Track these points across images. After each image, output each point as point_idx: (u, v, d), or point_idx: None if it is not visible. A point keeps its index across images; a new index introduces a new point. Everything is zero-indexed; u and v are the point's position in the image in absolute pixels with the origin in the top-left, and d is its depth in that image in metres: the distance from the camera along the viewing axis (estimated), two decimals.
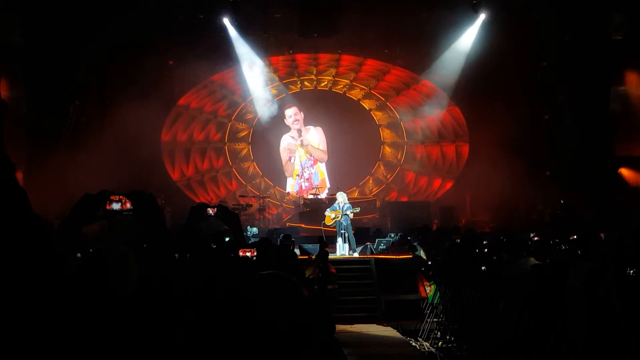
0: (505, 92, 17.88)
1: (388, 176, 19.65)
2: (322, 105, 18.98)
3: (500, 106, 17.12)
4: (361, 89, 19.90)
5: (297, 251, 10.76)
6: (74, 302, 1.99)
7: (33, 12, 13.68)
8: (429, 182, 19.49)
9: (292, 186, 19.21)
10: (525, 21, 16.27)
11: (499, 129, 16.22)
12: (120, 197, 2.51)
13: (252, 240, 9.90)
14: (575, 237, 7.93)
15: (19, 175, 11.46)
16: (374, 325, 10.31)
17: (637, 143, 15.57)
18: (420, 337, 9.06)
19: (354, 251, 12.88)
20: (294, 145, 19.07)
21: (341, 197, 13.35)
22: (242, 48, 17.87)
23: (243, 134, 19.57)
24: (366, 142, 19.31)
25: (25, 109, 14.16)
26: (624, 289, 4.18)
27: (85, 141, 15.09)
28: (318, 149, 19.28)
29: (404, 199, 19.06)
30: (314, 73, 19.88)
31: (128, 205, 2.50)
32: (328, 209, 13.57)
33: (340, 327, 9.12)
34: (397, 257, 11.66)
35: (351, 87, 19.94)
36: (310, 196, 17.75)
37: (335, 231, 13.04)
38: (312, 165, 19.21)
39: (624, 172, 15.71)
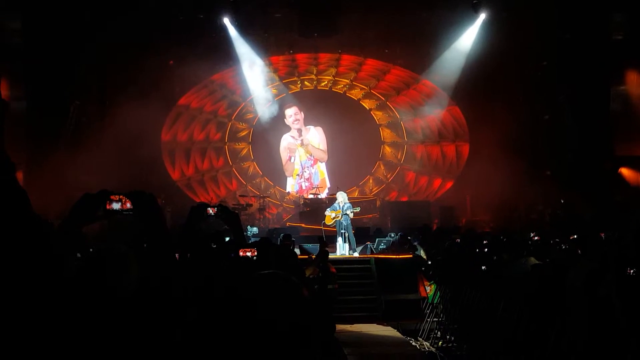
0: (505, 92, 17.89)
1: (388, 176, 19.65)
2: (322, 105, 18.97)
3: (500, 106, 17.13)
4: (361, 89, 19.90)
5: (297, 251, 10.76)
6: (74, 302, 1.99)
7: (33, 12, 13.68)
8: (429, 182, 19.49)
9: (292, 186, 19.21)
10: (525, 21, 16.27)
11: (499, 128, 16.22)
12: (121, 196, 2.51)
13: (253, 240, 9.90)
14: (575, 236, 7.92)
15: (19, 175, 11.47)
16: (374, 324, 10.32)
17: (637, 143, 15.55)
18: (420, 337, 9.07)
19: (354, 251, 12.89)
20: (294, 144, 19.08)
21: (341, 197, 13.35)
22: (242, 48, 17.88)
23: (243, 133, 19.57)
24: (366, 142, 19.31)
25: (25, 109, 14.15)
26: (624, 289, 4.18)
27: (86, 141, 15.09)
28: (318, 148, 19.29)
29: (404, 199, 19.06)
30: (314, 73, 19.89)
31: (128, 205, 2.50)
32: (328, 209, 13.57)
33: (340, 327, 9.13)
34: (397, 256, 11.67)
35: (351, 87, 19.94)
36: (311, 196, 17.77)
37: (336, 231, 13.05)
38: (312, 165, 19.22)
39: (624, 171, 15.70)
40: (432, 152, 19.66)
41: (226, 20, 17.23)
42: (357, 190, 19.23)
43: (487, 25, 16.97)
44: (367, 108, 19.87)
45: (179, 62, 17.41)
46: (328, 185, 18.98)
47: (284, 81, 19.66)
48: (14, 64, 13.75)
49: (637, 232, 4.91)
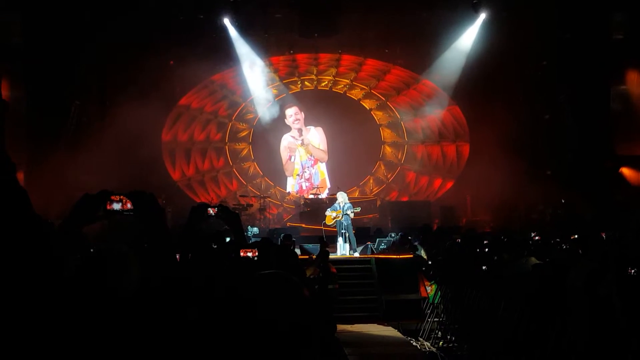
0: (505, 92, 17.88)
1: (389, 176, 19.64)
2: (322, 105, 18.98)
3: (500, 106, 17.12)
4: (361, 89, 19.89)
5: (297, 251, 10.77)
6: (74, 302, 1.99)
7: (33, 12, 13.69)
8: (430, 182, 19.49)
9: (292, 186, 19.22)
10: (525, 20, 16.27)
11: (499, 128, 16.21)
12: (121, 197, 2.51)
13: (253, 240, 9.90)
14: (576, 236, 7.91)
15: (20, 175, 11.48)
16: (375, 325, 10.33)
17: (637, 142, 15.55)
18: (421, 337, 9.06)
19: (355, 251, 12.89)
20: (294, 144, 19.08)
21: (341, 197, 13.35)
22: (243, 48, 17.88)
23: (244, 134, 19.58)
24: (367, 142, 19.30)
25: (25, 109, 14.16)
26: (624, 289, 4.18)
27: (86, 141, 15.10)
28: (318, 148, 19.29)
29: (405, 199, 19.06)
30: (315, 73, 19.89)
31: (128, 205, 2.50)
32: (329, 209, 13.58)
33: (341, 327, 9.12)
34: (398, 256, 11.67)
35: (351, 87, 19.94)
36: (311, 196, 17.77)
37: (336, 231, 13.05)
38: (312, 165, 19.22)
39: (625, 171, 15.70)
40: (432, 152, 19.66)
41: (226, 21, 17.24)
42: (358, 191, 19.23)
43: (487, 25, 16.97)
44: (368, 108, 19.87)
45: (179, 63, 17.41)
46: (328, 185, 18.98)
47: (284, 81, 19.66)
48: (14, 64, 13.76)
49: (638, 232, 4.91)
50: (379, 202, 18.70)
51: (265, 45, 18.39)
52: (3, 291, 1.83)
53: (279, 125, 19.12)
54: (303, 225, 16.23)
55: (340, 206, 13.13)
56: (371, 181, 19.56)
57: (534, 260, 6.13)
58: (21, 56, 13.80)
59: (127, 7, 15.07)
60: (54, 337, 1.88)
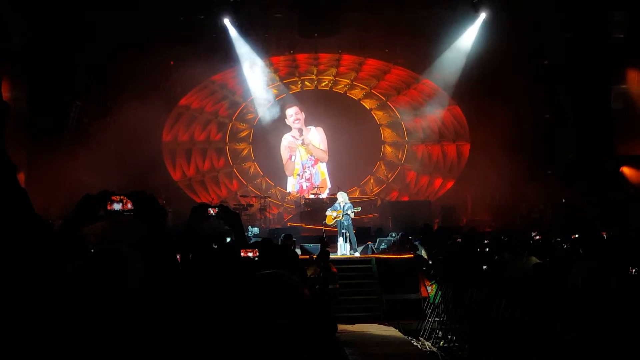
0: (506, 91, 17.83)
1: (389, 176, 19.64)
2: (322, 105, 18.98)
3: (501, 105, 17.08)
4: (362, 89, 19.89)
5: (298, 251, 10.77)
6: (75, 302, 1.99)
7: (33, 12, 13.69)
8: (430, 182, 19.49)
9: (292, 186, 19.22)
10: (525, 20, 16.25)
11: (500, 128, 16.21)
12: (121, 197, 2.51)
13: (254, 240, 9.90)
14: (576, 236, 7.92)
15: (20, 176, 11.48)
16: (376, 324, 10.31)
17: (638, 142, 15.57)
18: (421, 337, 9.06)
19: (355, 251, 12.89)
20: (295, 143, 19.08)
21: (342, 197, 13.35)
22: (243, 48, 17.88)
23: (244, 134, 19.58)
24: (367, 142, 19.30)
25: (26, 110, 14.17)
26: (625, 288, 4.18)
27: (86, 141, 15.10)
28: (319, 148, 19.29)
29: (405, 199, 19.05)
30: (315, 73, 19.89)
31: (129, 206, 2.50)
32: (329, 209, 13.58)
33: (341, 327, 9.12)
34: (398, 256, 11.66)
35: (352, 87, 19.94)
36: (311, 196, 17.76)
37: (336, 231, 13.05)
38: (312, 165, 19.22)
39: (626, 170, 15.71)
40: (432, 152, 19.65)
41: (226, 21, 17.24)
42: (358, 190, 19.23)
43: (488, 25, 16.96)
44: (368, 108, 19.87)
45: (179, 63, 17.42)
46: (329, 185, 18.98)
47: (284, 81, 19.66)
48: (15, 65, 13.77)
49: (639, 231, 4.90)
50: (379, 202, 18.70)
51: (266, 45, 18.38)
52: (3, 291, 1.83)
53: (280, 125, 19.12)
54: (303, 225, 16.23)
55: (340, 206, 13.13)
56: (371, 181, 19.56)
57: (534, 259, 6.13)
58: (22, 57, 13.81)
59: (127, 7, 15.07)
60: (54, 337, 1.88)
